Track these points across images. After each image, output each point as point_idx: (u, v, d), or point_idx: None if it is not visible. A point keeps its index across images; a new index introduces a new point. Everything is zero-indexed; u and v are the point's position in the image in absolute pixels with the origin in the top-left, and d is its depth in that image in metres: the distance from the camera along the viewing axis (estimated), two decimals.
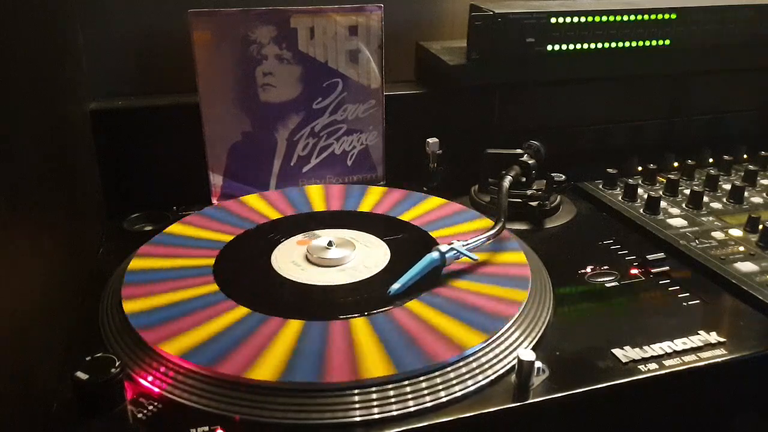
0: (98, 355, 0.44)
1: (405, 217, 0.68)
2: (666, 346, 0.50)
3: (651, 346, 0.50)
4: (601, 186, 0.79)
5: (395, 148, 0.80)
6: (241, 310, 0.52)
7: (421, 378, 0.45)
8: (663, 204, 0.73)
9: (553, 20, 0.76)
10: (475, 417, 0.43)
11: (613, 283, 0.59)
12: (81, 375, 0.42)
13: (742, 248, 0.64)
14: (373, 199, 0.72)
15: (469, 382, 0.45)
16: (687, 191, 0.75)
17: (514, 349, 0.48)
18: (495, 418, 0.44)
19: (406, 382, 0.44)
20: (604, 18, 0.77)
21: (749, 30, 0.84)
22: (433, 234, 0.64)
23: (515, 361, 0.46)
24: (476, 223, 0.66)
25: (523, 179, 0.72)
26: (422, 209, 0.70)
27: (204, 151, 0.73)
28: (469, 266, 0.58)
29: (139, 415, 0.43)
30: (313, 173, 0.78)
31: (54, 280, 0.51)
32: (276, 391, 0.43)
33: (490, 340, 0.48)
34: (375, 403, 0.43)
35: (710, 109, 0.93)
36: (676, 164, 0.85)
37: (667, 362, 0.49)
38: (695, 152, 0.86)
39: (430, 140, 0.78)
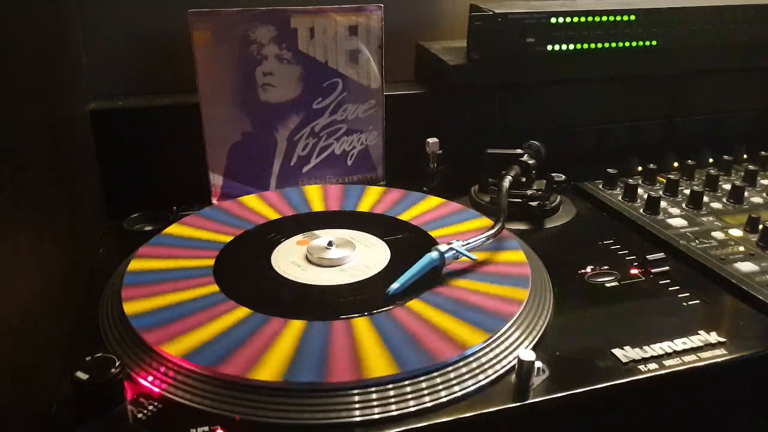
0: (98, 355, 0.44)
1: (404, 216, 0.68)
2: (666, 346, 0.50)
3: (651, 346, 0.50)
4: (601, 186, 0.79)
5: (395, 148, 0.80)
6: (242, 311, 0.52)
7: (421, 378, 0.45)
8: (663, 204, 0.73)
9: (553, 20, 0.76)
10: (475, 417, 0.43)
11: (613, 283, 0.59)
12: (81, 375, 0.42)
13: (742, 248, 0.64)
14: (371, 199, 0.72)
15: (469, 382, 0.45)
16: (687, 191, 0.75)
17: (514, 349, 0.48)
18: (495, 418, 0.44)
19: (407, 382, 0.44)
20: (604, 18, 0.77)
21: (749, 30, 0.84)
22: (433, 233, 0.64)
23: (515, 361, 0.46)
24: (475, 223, 0.66)
25: (523, 179, 0.72)
26: (421, 209, 0.70)
27: (204, 151, 0.73)
28: (468, 266, 0.58)
29: (139, 415, 0.43)
30: (313, 173, 0.78)
31: (54, 280, 0.51)
32: (276, 391, 0.43)
33: (490, 340, 0.48)
34: (375, 403, 0.43)
35: (710, 109, 0.93)
36: (676, 164, 0.85)
37: (667, 362, 0.49)
38: (695, 152, 0.86)
39: (430, 140, 0.78)
